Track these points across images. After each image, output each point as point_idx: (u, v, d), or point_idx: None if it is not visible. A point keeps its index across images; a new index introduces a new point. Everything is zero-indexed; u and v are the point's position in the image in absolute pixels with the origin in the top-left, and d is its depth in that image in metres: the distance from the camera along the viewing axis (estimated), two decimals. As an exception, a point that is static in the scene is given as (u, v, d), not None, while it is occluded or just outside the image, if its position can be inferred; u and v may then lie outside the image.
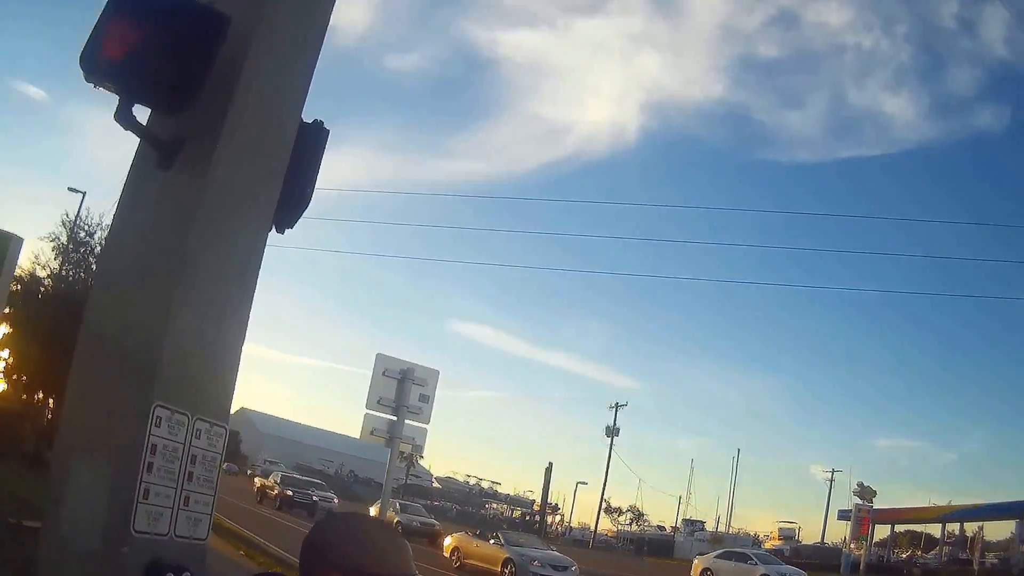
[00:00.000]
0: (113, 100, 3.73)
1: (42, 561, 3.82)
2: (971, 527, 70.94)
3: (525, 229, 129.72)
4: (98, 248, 27.44)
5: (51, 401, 26.50)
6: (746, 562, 35.45)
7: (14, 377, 28.89)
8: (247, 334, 4.35)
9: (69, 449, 4.00)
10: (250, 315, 4.37)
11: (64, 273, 27.92)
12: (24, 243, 18.26)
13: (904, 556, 76.69)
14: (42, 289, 26.69)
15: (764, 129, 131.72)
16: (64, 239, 28.65)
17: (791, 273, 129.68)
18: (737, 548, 45.75)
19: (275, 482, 43.20)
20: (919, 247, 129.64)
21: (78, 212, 30.55)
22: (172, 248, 3.90)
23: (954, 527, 74.91)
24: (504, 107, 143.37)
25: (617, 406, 74.37)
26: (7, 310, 20.24)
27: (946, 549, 73.09)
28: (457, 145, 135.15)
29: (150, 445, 3.67)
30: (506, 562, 26.35)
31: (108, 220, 28.26)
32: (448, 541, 31.00)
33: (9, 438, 21.71)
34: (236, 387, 4.34)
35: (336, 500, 42.42)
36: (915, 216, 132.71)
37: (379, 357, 11.22)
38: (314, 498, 40.36)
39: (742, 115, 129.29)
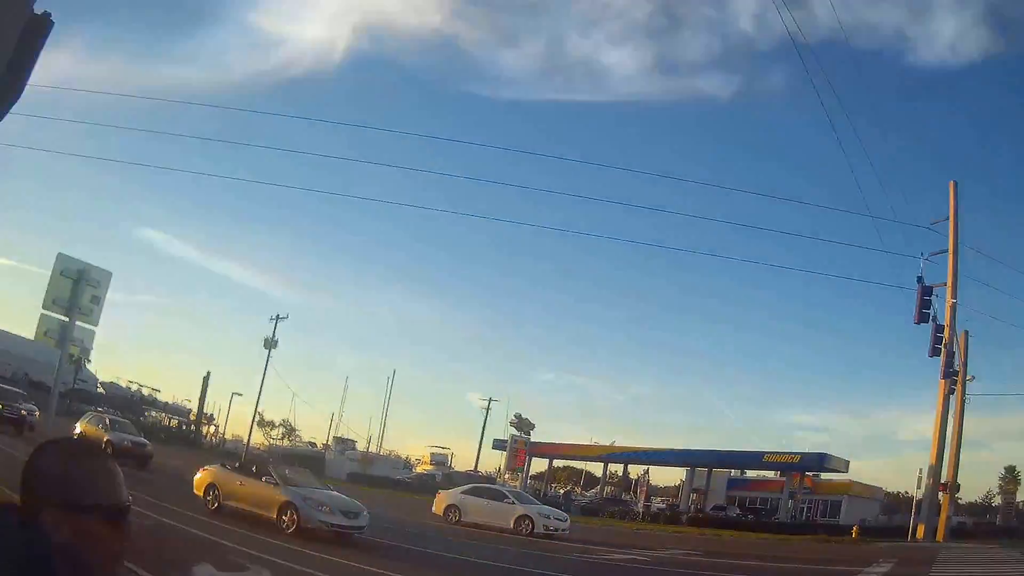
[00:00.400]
0: None
1: None
2: (636, 471, 75.11)
3: (222, 138, 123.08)
4: None
5: None
6: (501, 500, 31.71)
7: None
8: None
9: None
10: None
11: None
12: None
13: (562, 491, 79.18)
14: None
15: (474, 61, 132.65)
16: None
17: (477, 203, 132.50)
18: (489, 484, 42.91)
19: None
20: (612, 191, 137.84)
21: None
22: None
23: (618, 468, 79.04)
24: (222, 12, 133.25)
25: (277, 318, 73.56)
26: None
27: (608, 489, 78.44)
28: (169, 49, 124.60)
29: None
30: (284, 507, 19.87)
31: None
32: (199, 476, 22.98)
33: None
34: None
35: (37, 412, 36.34)
36: (605, 162, 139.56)
37: (60, 256, 11.05)
38: (23, 411, 33.67)
39: (454, 45, 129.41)
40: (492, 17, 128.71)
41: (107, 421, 32.57)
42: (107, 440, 28.69)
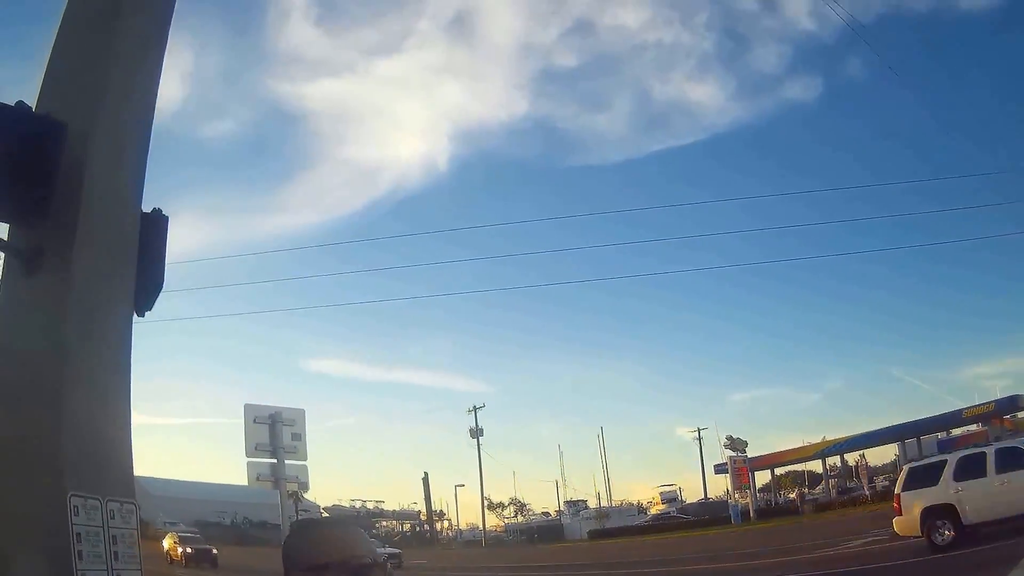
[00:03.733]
0: None
1: None
2: (852, 457, 73.14)
3: (353, 269, 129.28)
4: None
5: None
6: None
7: None
8: (132, 410, 4.46)
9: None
10: (131, 393, 4.49)
11: None
12: None
13: (792, 495, 77.73)
14: None
15: (571, 136, 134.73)
16: None
17: (617, 262, 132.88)
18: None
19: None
20: (745, 218, 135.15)
21: None
22: (51, 347, 4.04)
23: (834, 460, 77.04)
24: (320, 157, 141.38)
25: (476, 408, 75.02)
26: None
27: (833, 481, 75.73)
28: (281, 199, 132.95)
29: (75, 534, 3.74)
30: None
31: None
32: None
33: None
34: (133, 461, 4.42)
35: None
36: (735, 194, 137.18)
37: (247, 407, 11.22)
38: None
39: (548, 126, 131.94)
40: (574, 89, 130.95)
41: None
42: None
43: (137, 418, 4.56)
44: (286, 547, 2.18)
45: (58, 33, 4.73)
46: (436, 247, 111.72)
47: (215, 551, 42.14)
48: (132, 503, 4.28)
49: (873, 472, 71.30)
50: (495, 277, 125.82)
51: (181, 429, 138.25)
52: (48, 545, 3.76)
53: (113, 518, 4.07)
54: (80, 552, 3.75)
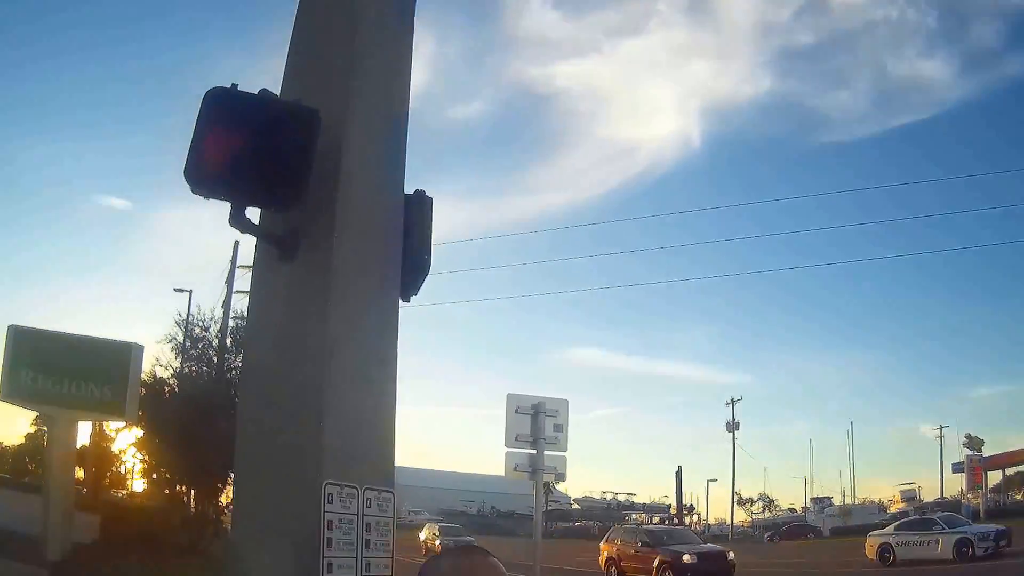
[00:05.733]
0: (197, 199, 3.70)
1: None
2: None
3: (615, 250, 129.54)
4: (215, 341, 28.10)
5: (193, 493, 27.06)
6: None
7: (154, 476, 29.91)
8: (397, 400, 4.31)
9: (246, 536, 4.03)
10: (397, 383, 4.36)
11: (186, 371, 28.31)
12: (143, 350, 19.13)
13: (1020, 497, 75.22)
14: (167, 389, 27.08)
15: (817, 113, 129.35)
16: (180, 338, 28.84)
17: (861, 247, 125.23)
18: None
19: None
20: (985, 199, 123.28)
21: (188, 311, 30.62)
22: (313, 333, 3.93)
23: None
24: (570, 136, 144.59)
25: (733, 402, 73.06)
26: (140, 413, 20.64)
27: None
28: (534, 181, 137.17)
29: (326, 521, 3.66)
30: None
31: (219, 314, 29.04)
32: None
33: (160, 533, 22.10)
34: (396, 451, 4.29)
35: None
36: (977, 171, 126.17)
37: (510, 396, 11.17)
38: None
39: (795, 103, 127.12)
40: (814, 66, 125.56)
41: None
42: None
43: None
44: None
45: (297, 21, 4.65)
46: (696, 226, 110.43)
47: (475, 542, 42.41)
48: (390, 492, 4.17)
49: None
50: (751, 261, 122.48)
51: (433, 416, 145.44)
52: (297, 531, 3.70)
53: (369, 506, 3.98)
54: (329, 540, 3.67)
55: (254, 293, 4.45)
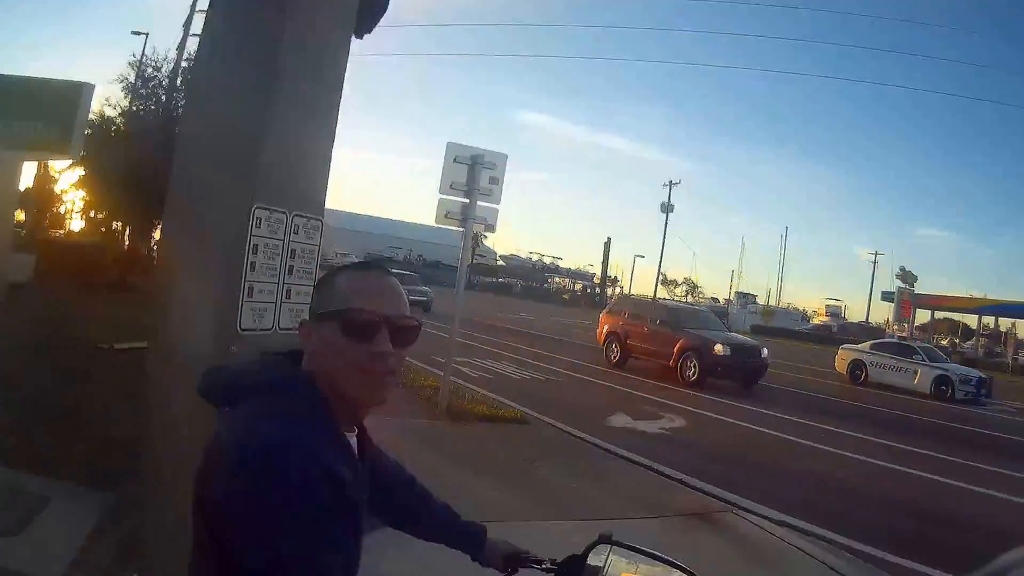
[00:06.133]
0: None
1: (151, 375, 3.91)
2: (1005, 323, 70.62)
3: (582, 22, 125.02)
4: (166, 82, 27.27)
5: (128, 231, 27.02)
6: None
7: (91, 214, 29.85)
8: (336, 134, 4.23)
9: (170, 266, 4.05)
10: (338, 116, 4.31)
11: (135, 110, 27.40)
12: (94, 89, 18.42)
13: (944, 342, 75.99)
14: (113, 129, 26.47)
15: None
16: (132, 79, 27.79)
17: (840, 65, 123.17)
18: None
19: None
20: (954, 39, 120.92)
21: (143, 52, 30.07)
22: (261, 59, 3.84)
23: (988, 321, 74.05)
24: None
25: (671, 184, 73.94)
26: (81, 153, 20.40)
27: (982, 341, 73.13)
28: None
29: (252, 245, 3.68)
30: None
31: (173, 55, 27.88)
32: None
33: (93, 269, 22.36)
34: (328, 183, 4.26)
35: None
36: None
37: (449, 145, 11.08)
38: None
39: None
40: None
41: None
42: None
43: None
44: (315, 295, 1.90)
45: None
46: (661, 9, 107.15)
47: (429, 293, 37.40)
48: (318, 220, 4.20)
49: (1020, 345, 68.38)
50: (714, 53, 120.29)
51: (370, 162, 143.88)
52: (220, 254, 3.75)
53: (296, 233, 4.00)
54: (252, 264, 3.71)
55: (210, 17, 4.31)
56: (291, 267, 3.97)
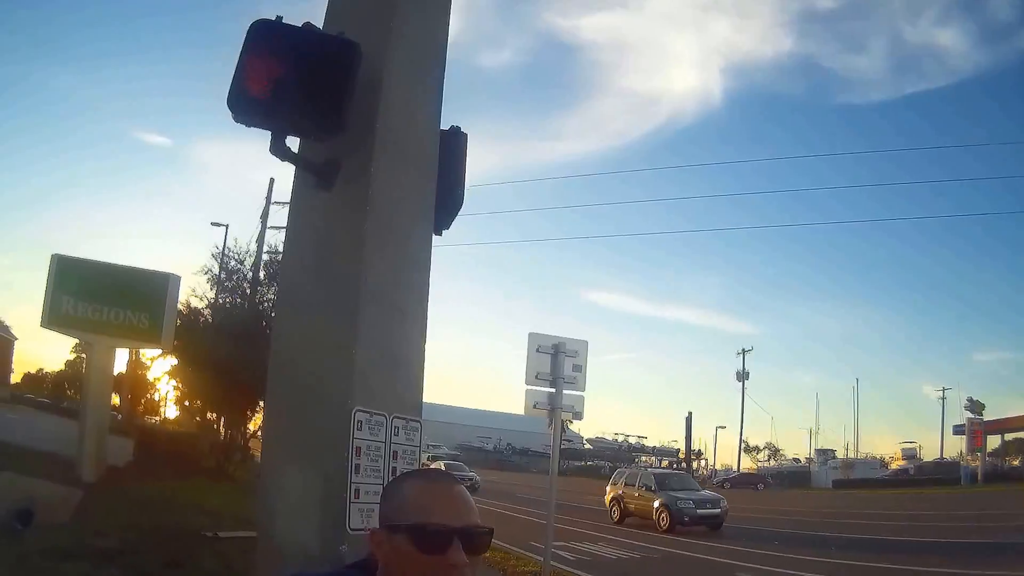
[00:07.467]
0: (234, 137, 3.68)
1: (260, 567, 3.85)
2: None
3: (638, 199, 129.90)
4: (250, 274, 28.05)
5: (223, 420, 27.44)
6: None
7: (186, 403, 30.33)
8: (427, 332, 4.30)
9: (275, 461, 4.05)
10: (428, 313, 4.35)
11: (221, 302, 28.21)
12: (180, 280, 19.27)
13: (1016, 462, 75.04)
14: (201, 319, 26.99)
15: (835, 75, 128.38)
16: (215, 270, 28.77)
17: (874, 208, 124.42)
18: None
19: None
20: (997, 169, 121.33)
21: (224, 243, 30.68)
22: (348, 262, 3.90)
23: None
24: (596, 86, 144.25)
25: (744, 352, 73.05)
26: (175, 342, 20.73)
27: None
28: (559, 127, 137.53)
29: (355, 447, 3.67)
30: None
31: (254, 248, 29.13)
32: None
33: (190, 457, 22.58)
34: (424, 382, 4.28)
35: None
36: (987, 140, 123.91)
37: (531, 336, 11.14)
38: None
39: (813, 64, 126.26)
40: (834, 29, 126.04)
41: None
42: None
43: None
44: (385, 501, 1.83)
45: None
46: (712, 179, 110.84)
47: (476, 477, 42.14)
48: (417, 421, 4.18)
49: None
50: (766, 214, 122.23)
51: (453, 350, 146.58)
52: (324, 456, 3.71)
53: (397, 435, 3.99)
54: (357, 466, 3.69)
55: (291, 221, 4.43)
56: (394, 468, 3.93)
